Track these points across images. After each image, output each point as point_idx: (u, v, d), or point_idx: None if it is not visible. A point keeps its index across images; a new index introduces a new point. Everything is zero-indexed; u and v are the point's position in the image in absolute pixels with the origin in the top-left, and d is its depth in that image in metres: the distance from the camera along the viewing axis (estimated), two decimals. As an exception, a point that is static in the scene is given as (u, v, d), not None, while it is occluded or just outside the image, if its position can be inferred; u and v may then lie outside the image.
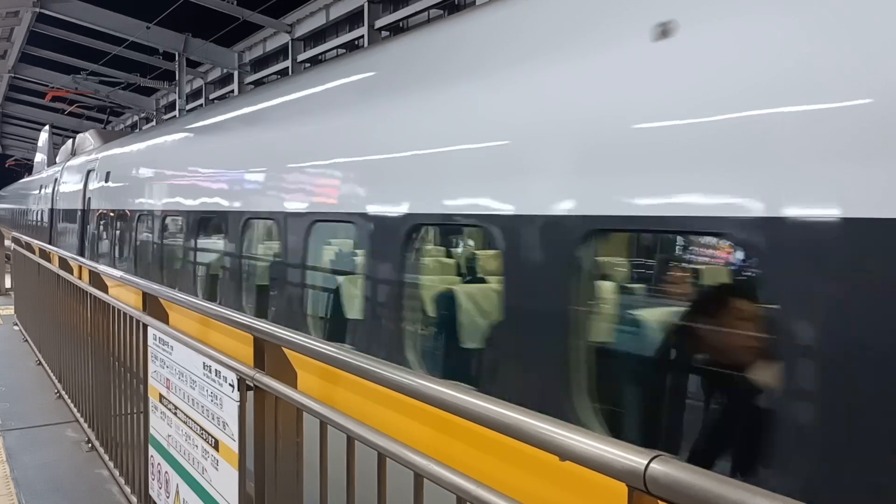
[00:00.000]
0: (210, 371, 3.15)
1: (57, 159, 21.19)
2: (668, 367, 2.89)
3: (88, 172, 12.30)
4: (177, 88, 31.89)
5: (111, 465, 5.04)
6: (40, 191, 19.59)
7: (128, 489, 4.59)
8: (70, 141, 19.44)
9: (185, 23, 30.04)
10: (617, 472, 1.39)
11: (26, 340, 9.46)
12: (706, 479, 1.25)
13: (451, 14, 4.80)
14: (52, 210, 16.52)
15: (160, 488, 3.86)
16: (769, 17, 2.31)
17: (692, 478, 1.27)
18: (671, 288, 3.11)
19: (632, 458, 1.37)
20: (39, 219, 19.21)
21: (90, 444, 5.62)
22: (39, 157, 26.37)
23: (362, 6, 27.60)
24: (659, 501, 1.36)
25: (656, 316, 2.91)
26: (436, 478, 1.81)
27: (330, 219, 4.59)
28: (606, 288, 3.05)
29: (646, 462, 1.34)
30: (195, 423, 3.33)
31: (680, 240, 3.02)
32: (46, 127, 26.49)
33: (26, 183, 27.39)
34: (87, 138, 16.93)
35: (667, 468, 1.31)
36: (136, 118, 50.61)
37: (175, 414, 3.61)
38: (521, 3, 3.39)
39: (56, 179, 16.44)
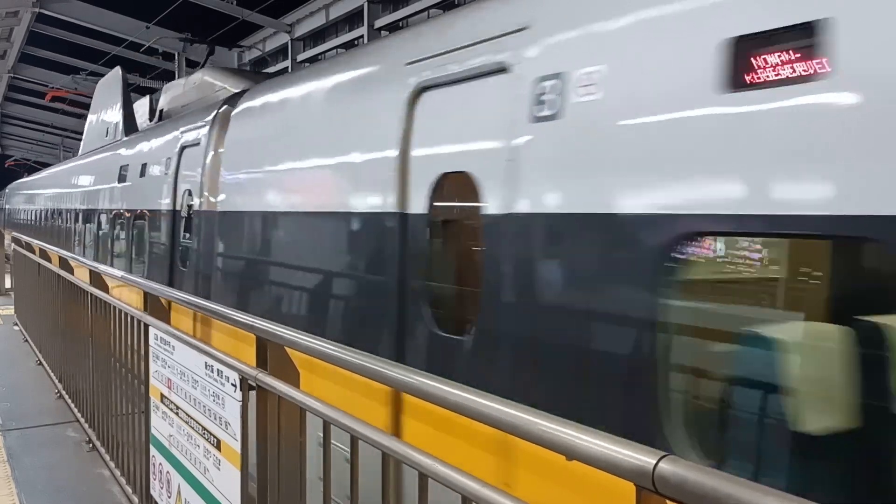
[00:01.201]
0: (212, 371, 3.14)
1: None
2: None
3: (413, 103, 3.76)
4: (176, 88, 31.81)
5: (112, 465, 5.03)
6: (122, 178, 10.01)
7: (129, 489, 4.58)
8: (144, 99, 12.75)
9: (185, 23, 30.04)
10: (625, 471, 1.39)
11: (26, 340, 9.45)
12: (715, 478, 1.25)
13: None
14: (173, 213, 7.53)
15: (161, 488, 3.85)
16: None
17: (701, 477, 1.26)
18: None
19: (640, 457, 1.37)
20: (119, 232, 10.15)
21: (91, 444, 5.61)
22: (106, 111, 15.01)
23: (362, 6, 27.60)
24: (667, 501, 1.36)
25: None
26: (441, 478, 1.80)
27: None
28: None
29: (654, 461, 1.33)
30: (197, 422, 3.33)
31: None
32: (118, 68, 15.88)
33: (69, 171, 16.54)
34: (209, 82, 9.15)
35: (676, 467, 1.31)
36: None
37: (177, 414, 3.60)
38: None
39: (196, 145, 7.06)
